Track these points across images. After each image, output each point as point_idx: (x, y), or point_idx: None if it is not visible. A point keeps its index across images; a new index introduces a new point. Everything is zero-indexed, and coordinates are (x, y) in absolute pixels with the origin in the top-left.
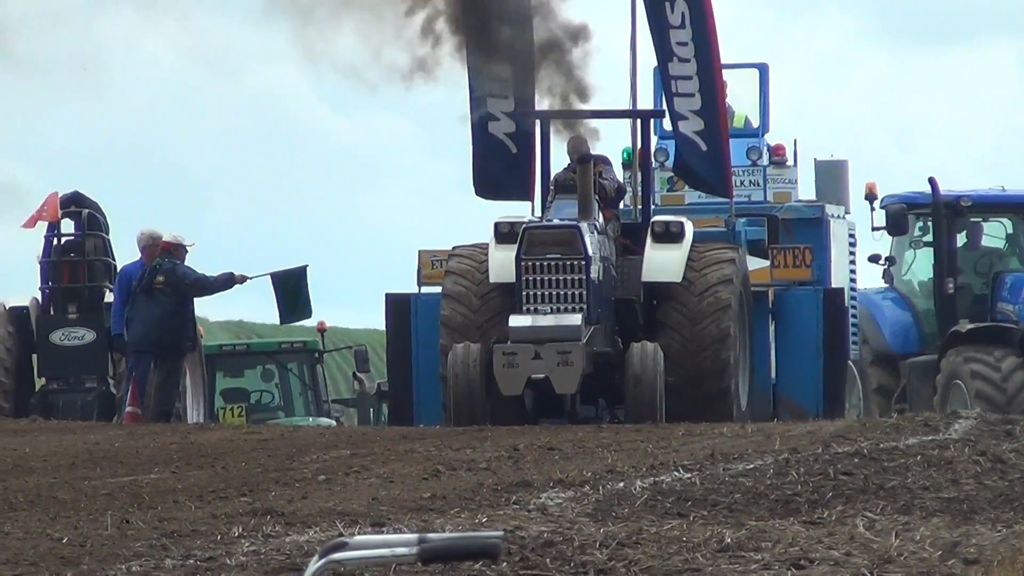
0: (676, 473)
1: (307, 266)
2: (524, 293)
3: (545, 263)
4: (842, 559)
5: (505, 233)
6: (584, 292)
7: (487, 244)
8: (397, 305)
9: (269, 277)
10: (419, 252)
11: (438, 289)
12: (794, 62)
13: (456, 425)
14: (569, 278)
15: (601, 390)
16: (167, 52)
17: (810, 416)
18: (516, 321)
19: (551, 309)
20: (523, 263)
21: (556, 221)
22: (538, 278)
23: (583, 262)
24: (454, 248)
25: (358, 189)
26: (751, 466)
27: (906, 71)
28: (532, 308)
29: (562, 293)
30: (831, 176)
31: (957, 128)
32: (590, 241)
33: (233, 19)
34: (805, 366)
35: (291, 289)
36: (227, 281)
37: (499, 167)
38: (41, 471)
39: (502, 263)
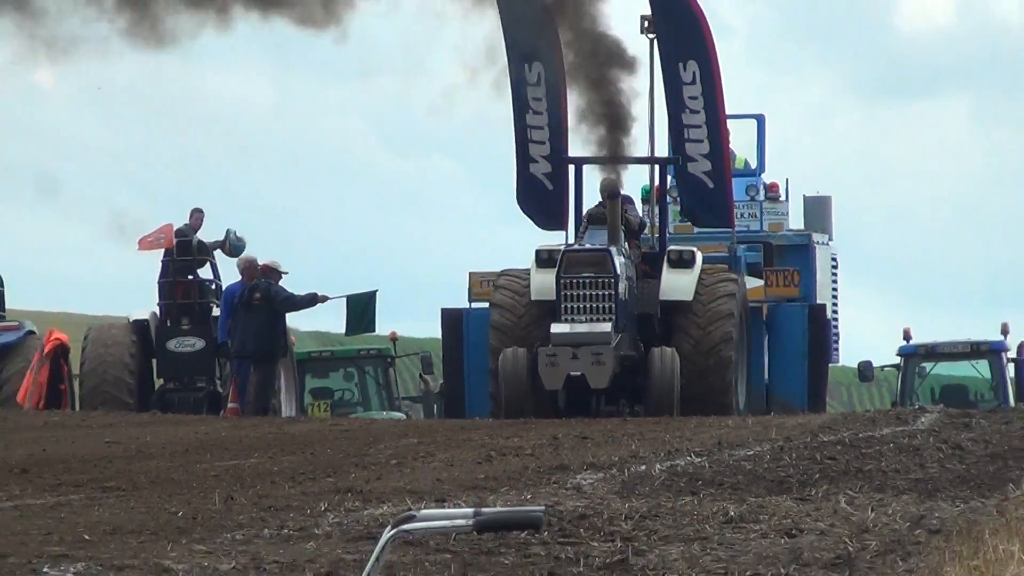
0: (689, 458)
1: (376, 291)
2: (563, 305)
3: (581, 280)
4: (827, 529)
5: (545, 259)
6: (613, 305)
7: (529, 268)
8: (451, 318)
9: (345, 298)
10: (469, 274)
11: (485, 304)
12: (786, 111)
13: (505, 414)
14: (601, 293)
15: (624, 389)
16: (260, 103)
17: (798, 411)
18: (557, 328)
19: (586, 319)
20: (562, 280)
21: (589, 246)
22: (575, 293)
23: (612, 280)
24: (503, 271)
25: (418, 221)
26: (751, 452)
27: (879, 120)
28: (570, 318)
29: (595, 306)
30: (817, 209)
31: (923, 167)
32: (618, 263)
33: (311, 80)
34: (793, 370)
35: (360, 309)
36: (311, 300)
37: (537, 202)
38: (160, 457)
39: (542, 283)
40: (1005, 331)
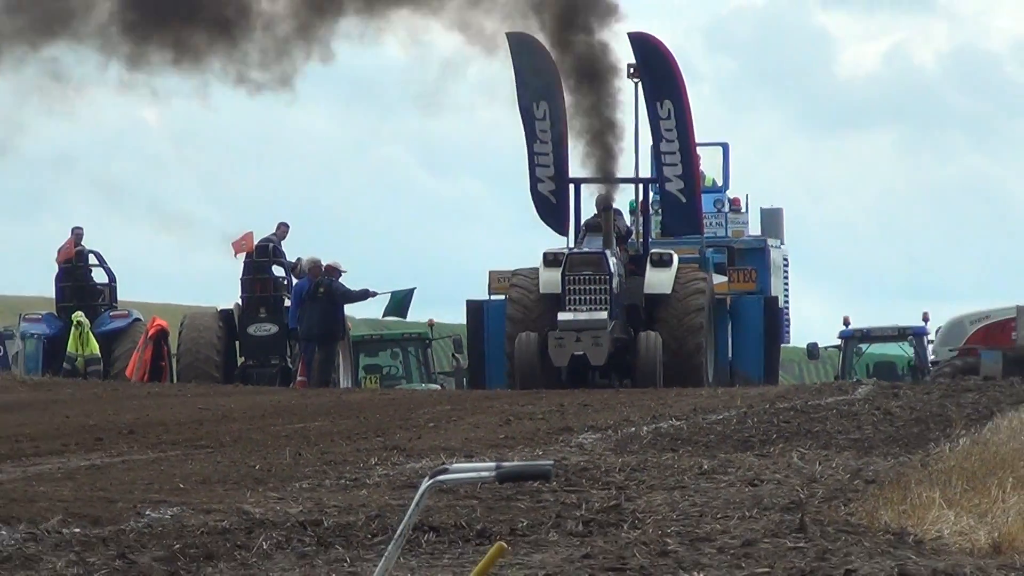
0: (671, 421)
1: (415, 288)
2: (567, 297)
3: (582, 277)
4: (783, 480)
5: (551, 260)
6: (608, 298)
7: (537, 267)
8: (474, 308)
9: (390, 294)
10: (489, 272)
11: (502, 297)
12: (747, 140)
13: (520, 386)
14: (598, 288)
15: (616, 366)
16: (327, 135)
17: (756, 383)
18: (563, 316)
19: (586, 308)
20: (567, 276)
21: (588, 249)
22: (577, 288)
23: (607, 277)
24: (515, 270)
25: (449, 229)
26: (721, 417)
27: (822, 147)
28: (573, 308)
29: (593, 298)
30: (771, 219)
31: (857, 185)
32: (612, 263)
33: (368, 115)
34: (751, 350)
35: (399, 299)
36: (363, 294)
37: (544, 214)
38: (241, 420)
39: (548, 279)
40: (926, 318)
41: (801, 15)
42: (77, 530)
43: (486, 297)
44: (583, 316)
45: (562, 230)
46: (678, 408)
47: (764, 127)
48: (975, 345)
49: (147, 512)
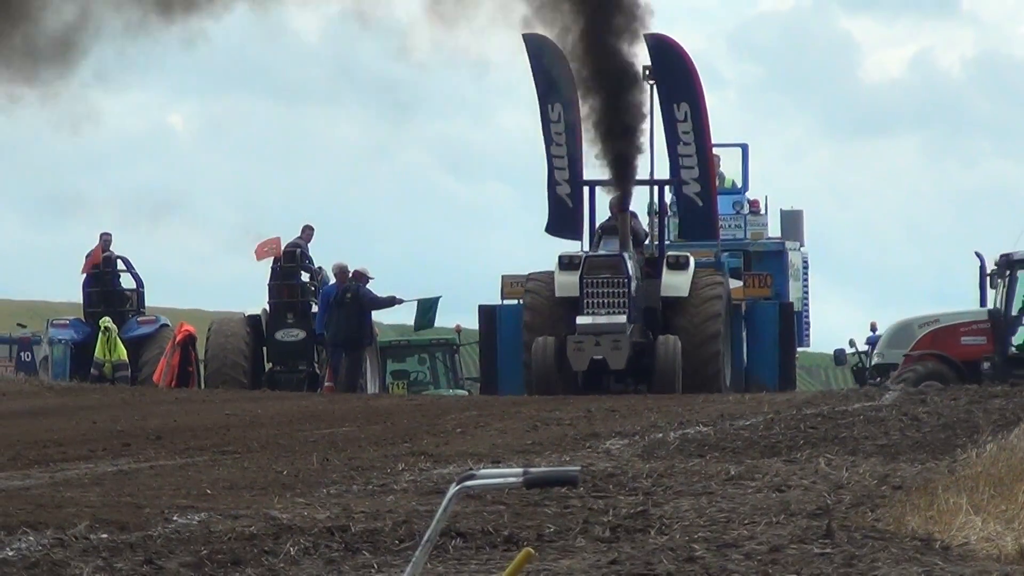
0: (698, 427)
1: (440, 296)
2: (585, 301)
3: (600, 280)
4: (810, 485)
5: (566, 263)
6: (626, 301)
7: (551, 271)
8: (487, 312)
9: (416, 302)
10: (502, 276)
11: (515, 302)
12: (770, 144)
13: (536, 391)
14: (616, 291)
15: (634, 371)
16: (354, 141)
17: (770, 389)
18: (581, 320)
19: (605, 312)
20: (584, 280)
21: (606, 252)
22: (595, 291)
23: (626, 280)
24: (529, 274)
25: (475, 233)
26: (748, 422)
27: (846, 151)
28: (591, 312)
29: (611, 301)
30: (791, 221)
31: (881, 191)
32: (630, 266)
33: (392, 121)
34: (766, 355)
35: (426, 309)
36: (391, 301)
37: (561, 216)
38: (269, 425)
39: (564, 283)
40: (873, 328)
41: (826, 21)
42: (104, 536)
43: (499, 302)
44: (602, 320)
45: (576, 235)
46: (705, 414)
47: (789, 132)
48: (927, 350)
49: (174, 518)
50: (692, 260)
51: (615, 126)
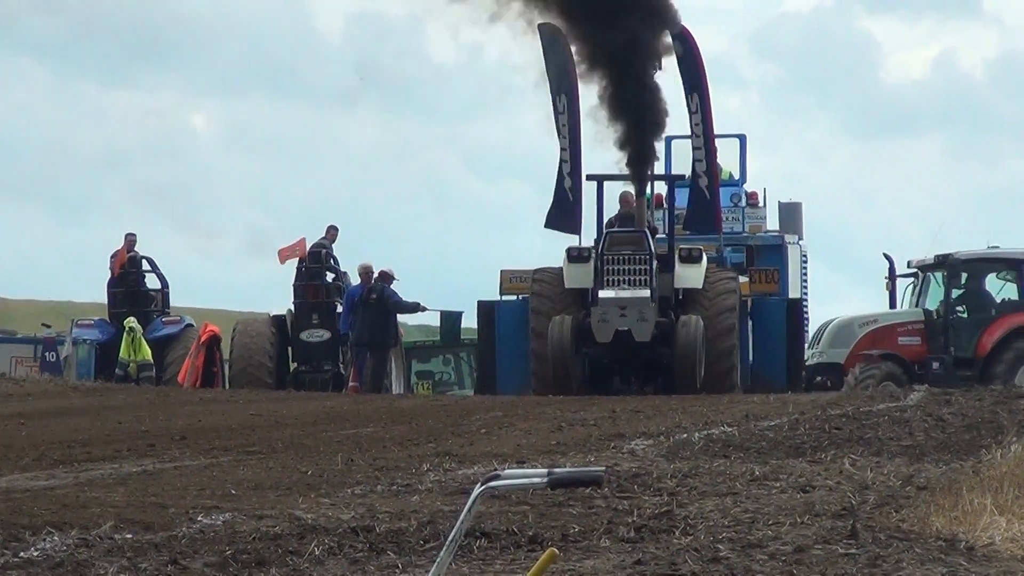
0: (722, 428)
1: (462, 312)
2: (606, 278)
3: (622, 256)
4: (834, 486)
5: (575, 255)
6: (648, 278)
7: (558, 267)
8: (486, 308)
9: (440, 312)
10: (501, 271)
11: (514, 297)
12: (794, 143)
13: (553, 373)
14: (639, 268)
15: (649, 363)
16: (374, 142)
17: (777, 387)
18: (604, 293)
19: (628, 286)
20: (605, 256)
21: (629, 228)
22: (617, 267)
23: (648, 256)
24: (536, 269)
25: (496, 232)
26: (773, 423)
27: (868, 152)
28: (614, 286)
29: (634, 278)
30: (790, 214)
31: (903, 192)
32: (652, 243)
33: (414, 121)
34: (774, 353)
35: (450, 324)
36: (415, 307)
37: (562, 208)
38: (293, 426)
39: (574, 274)
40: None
41: (848, 21)
42: (129, 536)
43: (497, 297)
44: (626, 293)
45: (574, 229)
46: (729, 414)
47: (811, 133)
48: (868, 350)
49: (199, 518)
50: (704, 253)
51: (638, 107)
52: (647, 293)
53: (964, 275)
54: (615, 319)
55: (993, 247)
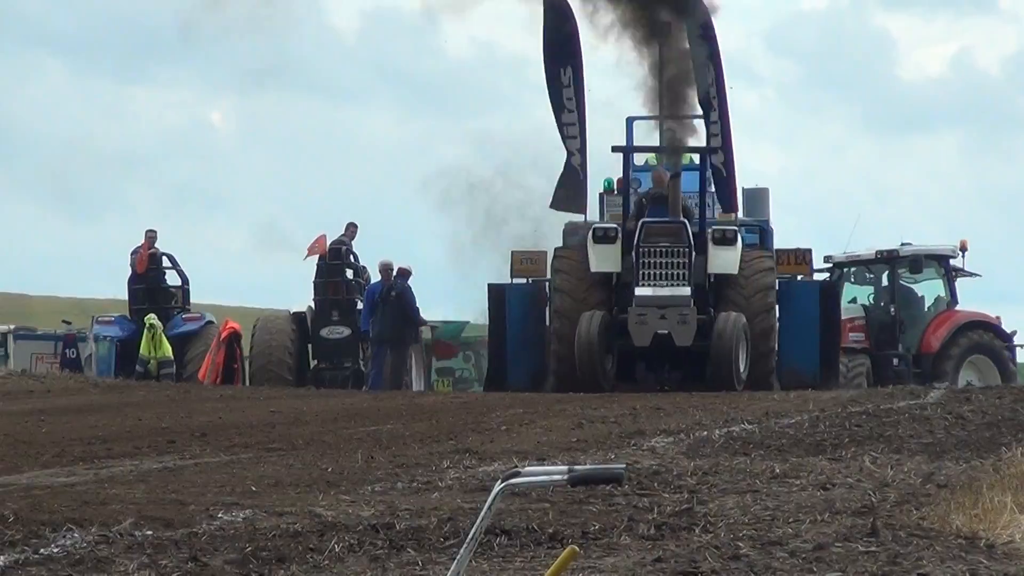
0: (743, 425)
1: (468, 322)
2: (642, 272)
3: (659, 249)
4: (855, 484)
5: (600, 236)
6: (687, 273)
7: (583, 245)
8: (496, 292)
9: (443, 324)
10: (512, 252)
11: (524, 281)
12: (810, 141)
13: (579, 370)
14: (677, 261)
15: (684, 354)
16: (389, 137)
17: (809, 379)
18: (641, 291)
19: (666, 283)
20: (641, 249)
21: (666, 219)
22: (653, 261)
23: (687, 249)
24: (556, 248)
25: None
26: (793, 420)
27: (886, 150)
28: (650, 283)
29: (672, 273)
30: (756, 200)
31: (921, 189)
32: (691, 235)
33: (426, 116)
34: (805, 342)
35: (454, 331)
36: (421, 323)
37: (571, 187)
38: (313, 423)
39: (601, 256)
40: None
41: (864, 18)
42: (149, 532)
43: (508, 281)
44: (664, 292)
45: (581, 207)
46: (750, 412)
47: (827, 130)
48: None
49: (219, 515)
50: (739, 234)
51: (681, 75)
52: (687, 290)
53: (904, 271)
54: (654, 321)
55: (906, 243)
